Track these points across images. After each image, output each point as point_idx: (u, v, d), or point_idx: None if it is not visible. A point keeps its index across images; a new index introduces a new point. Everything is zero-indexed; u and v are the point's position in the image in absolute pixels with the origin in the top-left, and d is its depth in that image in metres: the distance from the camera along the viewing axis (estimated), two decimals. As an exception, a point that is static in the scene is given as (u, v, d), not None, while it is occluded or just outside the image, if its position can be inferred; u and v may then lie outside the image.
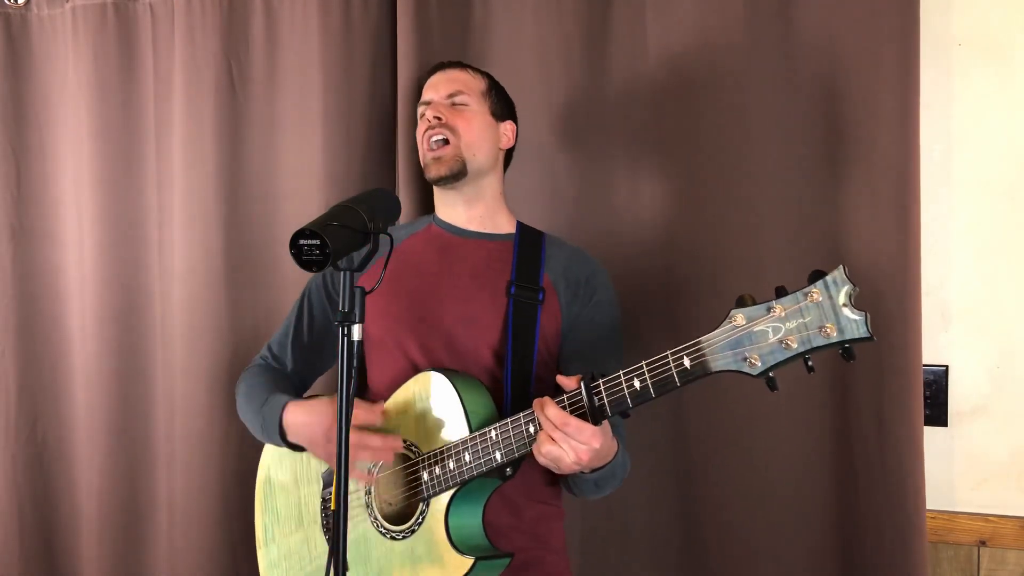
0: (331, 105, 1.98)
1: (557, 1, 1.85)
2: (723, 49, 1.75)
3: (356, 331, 1.16)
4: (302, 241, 1.14)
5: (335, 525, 1.16)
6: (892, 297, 1.64)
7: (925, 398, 1.68)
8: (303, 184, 2.02)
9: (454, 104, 1.53)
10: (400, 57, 1.92)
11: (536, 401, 1.26)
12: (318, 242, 1.13)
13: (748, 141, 1.74)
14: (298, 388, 1.63)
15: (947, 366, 1.77)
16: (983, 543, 1.75)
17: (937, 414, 1.76)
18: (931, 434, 1.72)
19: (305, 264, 1.14)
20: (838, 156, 1.70)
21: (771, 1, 1.73)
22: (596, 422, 1.21)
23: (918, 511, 1.64)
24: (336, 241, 1.14)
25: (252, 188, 2.07)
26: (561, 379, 1.26)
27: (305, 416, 1.43)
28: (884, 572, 1.67)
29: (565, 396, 1.24)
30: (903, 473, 1.64)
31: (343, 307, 1.16)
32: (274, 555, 1.56)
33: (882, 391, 1.65)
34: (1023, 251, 1.73)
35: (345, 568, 1.16)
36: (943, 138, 1.75)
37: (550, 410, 1.23)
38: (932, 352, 1.74)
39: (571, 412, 1.22)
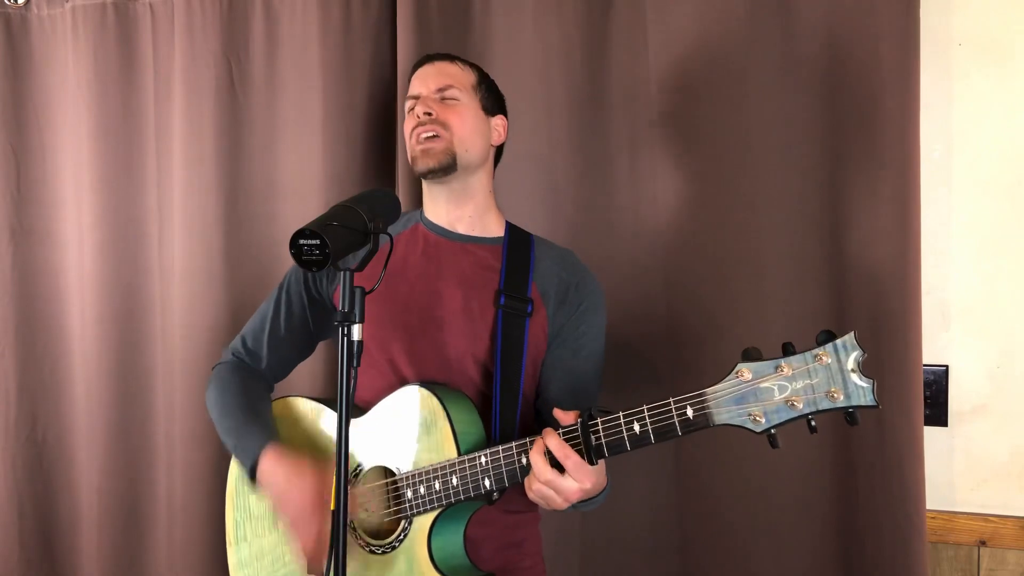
0: (331, 105, 1.98)
1: (557, 2, 1.85)
2: (723, 49, 1.75)
3: (356, 331, 1.16)
4: (302, 241, 1.13)
5: (334, 525, 1.15)
6: (892, 297, 1.64)
7: (925, 398, 1.68)
8: (303, 184, 2.02)
9: (444, 99, 1.47)
10: (400, 57, 1.91)
11: (537, 440, 1.24)
12: (318, 242, 1.12)
13: (748, 141, 1.74)
14: (270, 383, 1.60)
15: (947, 366, 1.76)
16: (983, 543, 1.74)
17: (937, 414, 1.76)
18: (931, 434, 1.72)
19: (305, 264, 1.14)
20: (838, 156, 1.70)
21: (771, 2, 1.73)
22: (591, 462, 1.19)
23: (918, 511, 1.64)
24: (336, 241, 1.13)
25: (252, 188, 2.07)
26: (558, 413, 1.24)
27: (285, 478, 1.37)
28: (884, 572, 1.67)
29: (560, 432, 1.22)
30: (903, 473, 1.64)
31: (343, 307, 1.15)
32: (244, 554, 1.52)
33: (882, 391, 1.63)
34: (1023, 251, 1.73)
35: (345, 570, 1.16)
36: (943, 138, 1.75)
37: (551, 440, 1.21)
38: (932, 352, 1.74)
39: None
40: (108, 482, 2.20)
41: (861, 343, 1.07)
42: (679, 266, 1.79)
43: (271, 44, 2.05)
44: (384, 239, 1.23)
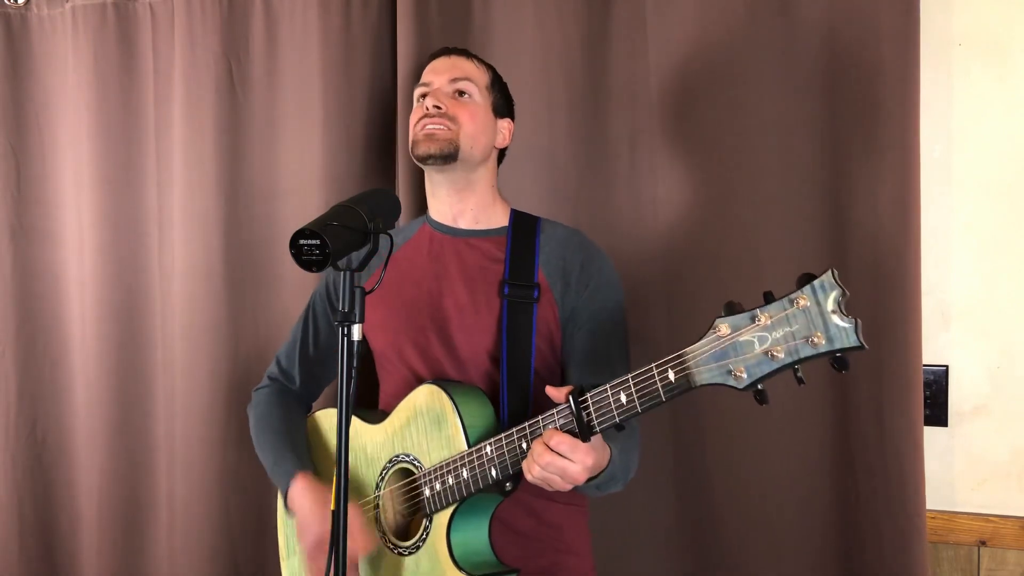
0: (331, 105, 1.98)
1: (557, 1, 1.85)
2: (723, 48, 1.75)
3: (356, 331, 1.16)
4: (302, 241, 1.14)
5: (334, 525, 1.15)
6: (892, 297, 1.64)
7: (925, 398, 1.68)
8: (303, 184, 2.02)
9: (456, 91, 1.47)
10: (400, 57, 1.91)
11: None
12: (318, 242, 1.13)
13: (748, 140, 1.74)
14: (306, 402, 1.66)
15: (947, 366, 1.76)
16: (983, 543, 1.74)
17: (937, 414, 1.76)
18: (931, 434, 1.72)
19: (305, 264, 1.14)
20: (838, 156, 1.70)
21: (771, 1, 1.73)
22: (585, 438, 1.18)
23: (918, 511, 1.64)
24: (336, 241, 1.13)
25: (252, 188, 2.07)
26: (550, 390, 1.23)
27: (308, 509, 1.42)
28: (884, 572, 1.67)
29: (555, 411, 1.22)
30: (903, 473, 1.64)
31: (343, 307, 1.16)
32: (295, 566, 1.55)
33: (882, 391, 1.65)
34: (1023, 251, 1.72)
35: (345, 569, 1.16)
36: (943, 138, 1.75)
37: (546, 433, 1.20)
38: (932, 352, 1.74)
39: (564, 428, 1.20)
40: (108, 482, 2.20)
41: (841, 282, 0.98)
42: (677, 265, 1.79)
43: (271, 44, 2.05)
44: (384, 239, 1.23)
